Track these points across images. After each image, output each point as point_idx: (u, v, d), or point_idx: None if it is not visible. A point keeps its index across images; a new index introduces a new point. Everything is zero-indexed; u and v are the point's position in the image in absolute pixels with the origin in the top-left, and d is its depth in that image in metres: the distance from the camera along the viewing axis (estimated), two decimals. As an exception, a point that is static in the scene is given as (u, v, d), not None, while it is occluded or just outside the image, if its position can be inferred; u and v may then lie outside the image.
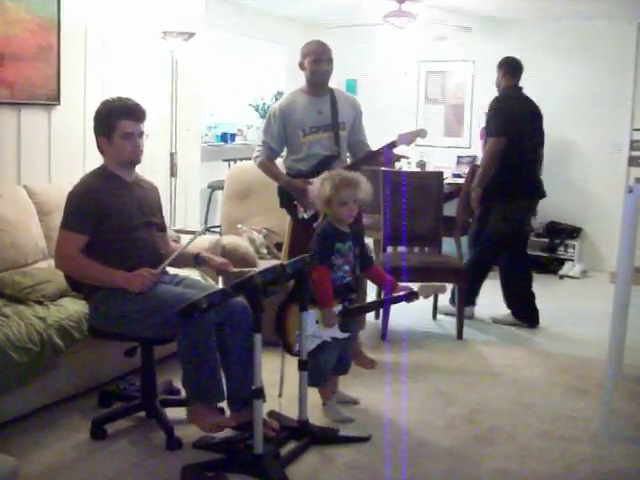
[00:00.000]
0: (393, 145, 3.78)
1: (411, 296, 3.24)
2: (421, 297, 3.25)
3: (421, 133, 3.82)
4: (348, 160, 4.02)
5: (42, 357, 2.99)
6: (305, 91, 3.90)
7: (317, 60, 3.80)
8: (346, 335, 3.19)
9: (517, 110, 4.86)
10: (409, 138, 3.80)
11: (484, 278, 5.00)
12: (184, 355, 2.83)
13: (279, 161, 4.06)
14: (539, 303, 4.98)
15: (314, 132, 3.81)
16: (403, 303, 3.29)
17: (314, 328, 3.10)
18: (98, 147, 3.10)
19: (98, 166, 3.13)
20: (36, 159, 4.18)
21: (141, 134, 3.07)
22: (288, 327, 3.05)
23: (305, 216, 3.81)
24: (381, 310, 4.54)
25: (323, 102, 3.85)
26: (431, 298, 5.05)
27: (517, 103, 4.90)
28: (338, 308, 3.15)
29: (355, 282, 3.29)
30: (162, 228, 3.27)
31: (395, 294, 3.28)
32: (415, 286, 3.30)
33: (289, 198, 3.88)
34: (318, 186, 3.19)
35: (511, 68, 4.95)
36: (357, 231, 3.33)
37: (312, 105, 3.84)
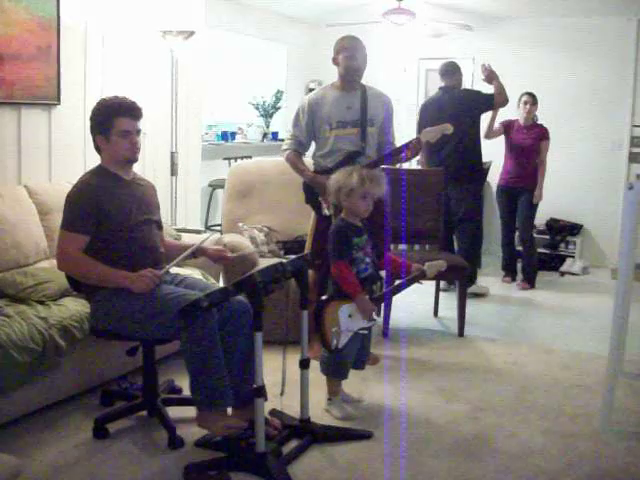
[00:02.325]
0: (417, 141, 3.78)
1: (421, 276, 3.30)
2: (427, 275, 3.30)
3: (446, 129, 3.81)
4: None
5: (44, 357, 3.00)
6: (337, 86, 3.92)
7: (351, 56, 3.81)
8: (372, 323, 3.26)
9: (427, 108, 5.64)
10: (434, 134, 3.80)
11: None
12: (190, 361, 2.82)
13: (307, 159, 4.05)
14: (540, 299, 4.97)
15: (341, 127, 3.81)
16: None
17: (347, 323, 3.15)
18: (95, 146, 3.10)
19: (95, 166, 3.13)
20: (36, 159, 4.17)
21: (138, 132, 3.07)
22: (326, 325, 3.10)
23: (328, 212, 3.81)
24: (382, 307, 4.54)
25: (353, 97, 3.85)
26: (433, 295, 5.09)
27: (430, 102, 5.71)
28: (365, 298, 3.20)
29: (376, 272, 3.33)
30: (160, 226, 3.28)
31: (409, 276, 3.31)
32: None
33: (314, 194, 3.88)
34: (344, 176, 3.20)
35: (440, 72, 5.68)
36: (368, 224, 3.33)
37: (342, 100, 3.85)
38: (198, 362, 2.80)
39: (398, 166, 4.85)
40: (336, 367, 3.28)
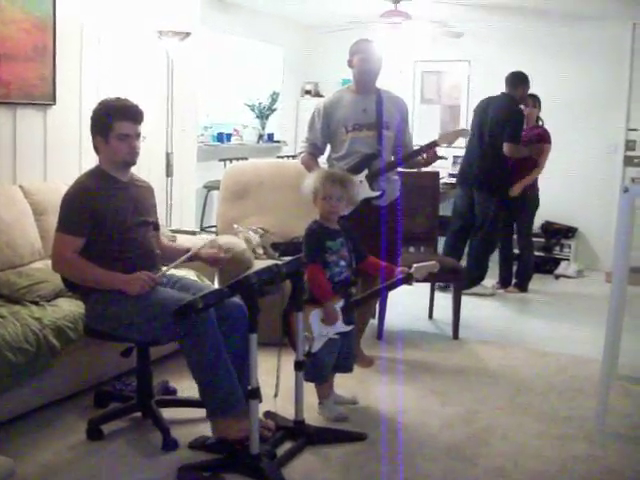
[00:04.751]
0: (434, 145, 3.77)
1: (406, 279, 3.24)
2: (416, 277, 3.24)
3: (463, 133, 3.79)
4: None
5: (38, 357, 2.98)
6: (352, 89, 3.93)
7: (366, 59, 3.82)
8: (350, 327, 3.23)
9: (481, 105, 5.75)
10: (450, 138, 3.80)
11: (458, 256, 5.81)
12: (195, 369, 2.81)
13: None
14: (535, 302, 4.99)
15: (357, 129, 3.80)
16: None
17: (320, 327, 3.12)
18: (94, 146, 3.09)
19: (93, 167, 3.12)
20: (31, 159, 4.16)
21: (138, 136, 3.06)
22: (294, 330, 3.06)
23: (345, 212, 3.78)
24: (377, 310, 4.53)
25: (369, 101, 3.84)
26: (427, 298, 5.08)
27: (486, 101, 5.73)
28: (340, 304, 3.17)
29: (354, 276, 3.29)
30: (156, 227, 3.27)
31: (390, 280, 3.27)
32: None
33: None
34: (311, 178, 3.22)
35: (506, 79, 5.69)
36: (348, 226, 3.30)
37: (358, 103, 3.84)
38: (205, 370, 2.78)
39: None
40: (314, 371, 3.20)
